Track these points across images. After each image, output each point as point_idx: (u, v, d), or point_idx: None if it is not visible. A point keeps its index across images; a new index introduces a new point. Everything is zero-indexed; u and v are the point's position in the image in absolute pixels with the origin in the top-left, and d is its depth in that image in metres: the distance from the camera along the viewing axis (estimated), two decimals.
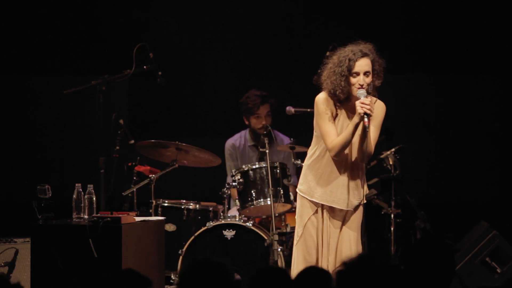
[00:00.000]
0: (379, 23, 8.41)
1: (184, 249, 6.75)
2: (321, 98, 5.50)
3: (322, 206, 5.54)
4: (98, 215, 5.57)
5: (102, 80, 6.33)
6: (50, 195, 5.67)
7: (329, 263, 5.52)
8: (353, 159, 5.52)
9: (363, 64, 5.44)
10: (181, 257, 6.75)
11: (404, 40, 8.42)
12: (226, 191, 7.07)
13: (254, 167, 6.89)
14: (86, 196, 5.67)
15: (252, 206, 6.86)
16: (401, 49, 8.42)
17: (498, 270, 6.96)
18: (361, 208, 5.61)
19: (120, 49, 8.02)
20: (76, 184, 5.72)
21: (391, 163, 7.35)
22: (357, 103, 5.31)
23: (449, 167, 8.48)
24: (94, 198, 5.69)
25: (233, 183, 6.91)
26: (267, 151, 6.85)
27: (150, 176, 7.07)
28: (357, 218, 5.59)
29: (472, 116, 8.46)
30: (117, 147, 7.07)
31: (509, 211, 8.23)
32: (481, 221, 7.25)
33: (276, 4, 8.42)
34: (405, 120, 8.44)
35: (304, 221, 5.56)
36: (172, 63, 8.29)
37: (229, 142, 7.78)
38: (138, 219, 5.85)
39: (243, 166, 6.97)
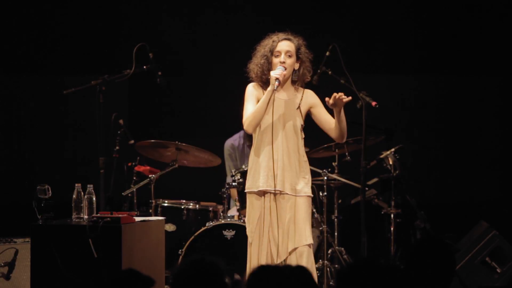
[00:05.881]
0: (380, 24, 8.42)
1: (184, 249, 6.75)
2: (249, 86, 5.81)
3: (266, 195, 5.64)
4: (98, 215, 5.56)
5: (102, 80, 6.33)
6: (50, 195, 5.66)
7: (280, 251, 5.60)
8: (287, 143, 5.66)
9: (284, 45, 5.73)
10: (181, 257, 6.75)
11: (404, 41, 8.42)
12: (226, 191, 7.08)
13: None
14: (86, 196, 5.66)
15: None
16: (402, 50, 8.42)
17: (498, 270, 6.96)
18: (307, 199, 5.68)
19: (120, 49, 8.02)
20: (76, 184, 5.71)
21: (391, 163, 7.35)
22: (271, 72, 5.62)
23: (449, 167, 8.48)
24: (94, 198, 5.68)
25: (233, 183, 6.91)
26: None
27: (150, 176, 7.07)
28: (303, 206, 5.65)
29: (472, 116, 8.46)
30: (117, 147, 7.07)
31: (509, 211, 8.23)
32: (481, 221, 7.25)
33: (280, 8, 8.42)
34: (405, 120, 8.45)
35: (254, 217, 5.64)
36: (172, 63, 8.29)
37: (228, 142, 7.78)
38: (138, 219, 5.84)
39: (243, 166, 6.97)
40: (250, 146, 7.67)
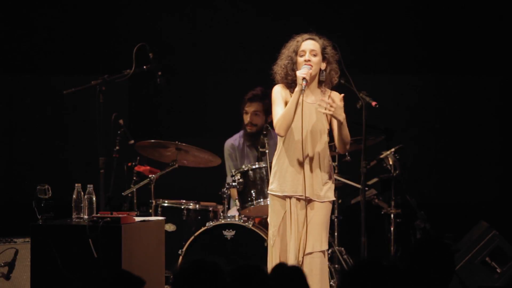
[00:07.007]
0: (380, 24, 8.41)
1: (184, 249, 6.75)
2: (276, 87, 5.74)
3: (290, 199, 5.64)
4: (98, 215, 5.56)
5: (102, 80, 6.33)
6: (50, 195, 5.66)
7: (298, 255, 5.61)
8: (313, 148, 5.63)
9: (308, 43, 5.68)
10: (181, 257, 6.75)
11: (405, 40, 8.42)
12: (226, 191, 7.07)
13: (254, 167, 6.88)
14: (86, 196, 5.66)
15: (252, 206, 6.85)
16: (402, 50, 8.42)
17: (498, 270, 6.96)
18: (328, 205, 5.68)
19: (120, 49, 8.02)
20: (76, 184, 5.71)
21: (391, 163, 7.35)
22: (297, 72, 5.56)
23: (449, 167, 8.47)
24: (94, 198, 5.69)
25: (233, 183, 6.90)
26: (267, 151, 6.84)
27: (150, 176, 7.07)
28: (323, 211, 5.65)
29: (472, 116, 8.46)
30: (117, 147, 7.07)
31: (509, 211, 8.23)
32: (481, 221, 7.25)
33: (280, 7, 8.42)
34: (405, 120, 8.44)
35: (277, 220, 5.63)
36: (172, 63, 8.29)
37: (228, 142, 7.77)
38: (138, 219, 5.84)
39: (243, 166, 6.96)
40: (250, 146, 7.69)
